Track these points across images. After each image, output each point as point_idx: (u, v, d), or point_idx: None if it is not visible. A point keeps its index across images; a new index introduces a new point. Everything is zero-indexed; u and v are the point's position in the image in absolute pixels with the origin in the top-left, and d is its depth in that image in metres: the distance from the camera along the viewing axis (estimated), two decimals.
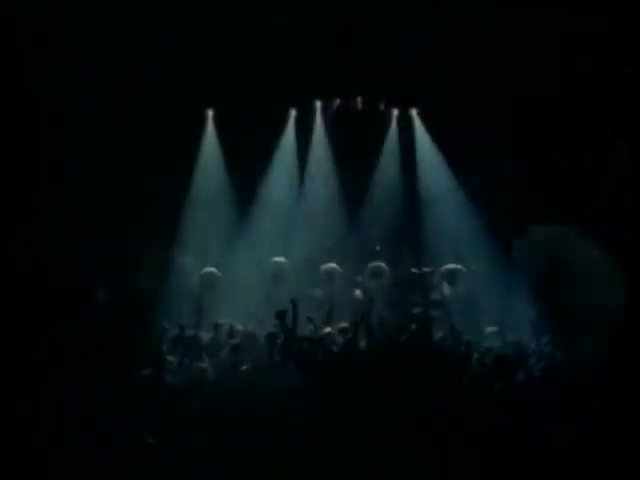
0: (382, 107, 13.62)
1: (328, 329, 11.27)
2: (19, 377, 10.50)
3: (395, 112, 13.72)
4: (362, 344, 10.37)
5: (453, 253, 12.79)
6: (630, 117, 11.32)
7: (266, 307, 12.18)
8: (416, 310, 11.92)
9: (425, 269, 12.70)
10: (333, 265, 12.92)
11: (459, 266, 12.63)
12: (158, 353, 10.56)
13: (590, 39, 12.48)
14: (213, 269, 12.84)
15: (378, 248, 12.97)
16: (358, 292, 12.76)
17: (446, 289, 12.58)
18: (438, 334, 10.91)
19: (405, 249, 13.12)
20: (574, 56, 12.57)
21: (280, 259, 12.97)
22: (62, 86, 12.60)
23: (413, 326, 10.60)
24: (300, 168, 13.55)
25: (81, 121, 12.70)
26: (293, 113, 13.64)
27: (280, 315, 10.47)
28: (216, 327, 11.21)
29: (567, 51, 12.60)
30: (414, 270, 12.68)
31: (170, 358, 10.75)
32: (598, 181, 12.61)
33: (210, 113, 13.53)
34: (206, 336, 11.29)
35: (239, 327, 11.51)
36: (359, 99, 13.31)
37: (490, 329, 11.74)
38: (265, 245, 13.05)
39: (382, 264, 12.88)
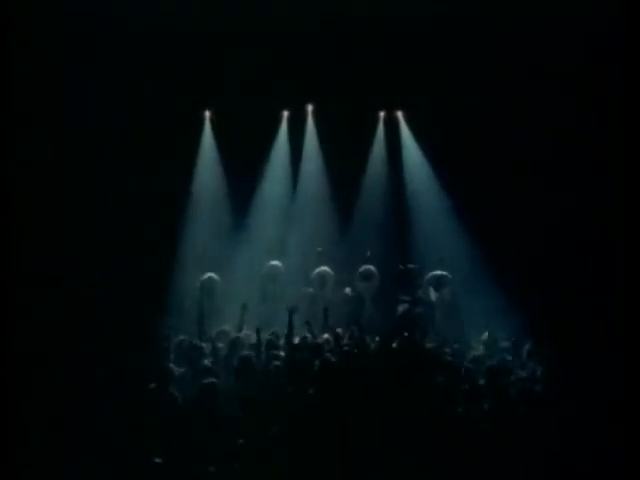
0: (369, 109, 13.56)
1: (326, 335, 11.37)
2: (19, 390, 10.56)
3: (381, 114, 13.71)
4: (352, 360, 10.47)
5: (439, 255, 12.88)
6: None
7: (262, 311, 12.31)
8: (401, 307, 12.03)
9: (410, 266, 12.79)
10: (325, 268, 13.02)
11: (445, 272, 12.74)
12: (164, 367, 10.58)
13: (588, 39, 12.53)
14: (212, 274, 12.86)
15: (369, 254, 13.06)
16: (348, 290, 12.89)
17: (432, 295, 12.69)
18: (427, 342, 11.04)
19: (392, 248, 13.20)
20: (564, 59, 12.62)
21: (275, 262, 13.04)
22: (60, 88, 12.63)
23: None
24: (293, 171, 13.61)
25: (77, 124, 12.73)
26: (285, 114, 13.64)
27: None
28: (216, 338, 11.27)
29: (557, 55, 12.63)
30: (400, 267, 12.79)
31: (176, 368, 10.79)
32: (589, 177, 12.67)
33: (207, 114, 13.55)
34: (208, 345, 11.33)
35: (237, 334, 11.58)
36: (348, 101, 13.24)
37: (484, 336, 11.82)
38: (261, 248, 13.11)
39: (372, 267, 13.00)
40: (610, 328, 11.32)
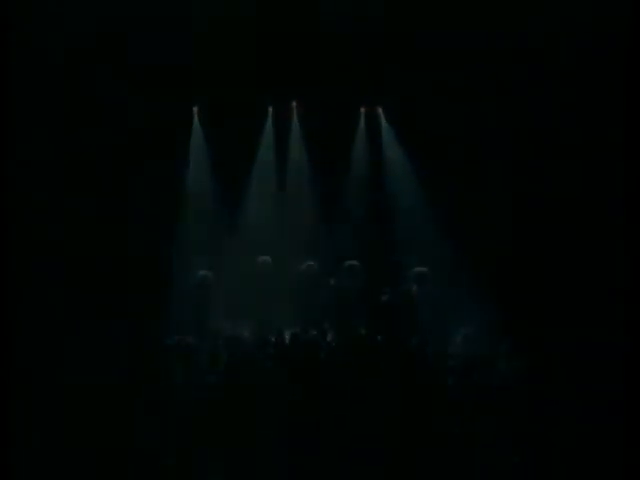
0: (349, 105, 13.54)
1: (314, 332, 11.47)
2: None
3: (362, 110, 13.70)
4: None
5: (419, 251, 12.94)
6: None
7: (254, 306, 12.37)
8: (384, 298, 12.10)
9: (392, 258, 12.94)
10: (310, 262, 13.06)
11: (426, 269, 12.78)
12: (167, 369, 10.61)
13: (588, 39, 12.54)
14: (206, 271, 12.88)
15: (354, 252, 13.08)
16: (332, 282, 12.93)
17: (414, 291, 12.77)
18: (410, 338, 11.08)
19: (376, 242, 13.26)
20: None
21: (265, 257, 13.07)
22: (60, 88, 12.65)
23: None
24: (280, 168, 13.63)
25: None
26: (270, 110, 13.66)
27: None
28: (213, 337, 11.29)
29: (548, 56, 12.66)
30: (381, 259, 12.93)
31: (180, 370, 10.82)
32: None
33: (195, 109, 13.57)
34: (206, 344, 11.36)
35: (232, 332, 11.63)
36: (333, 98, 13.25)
37: (462, 333, 11.87)
38: (250, 244, 13.16)
39: (356, 263, 13.03)
40: (610, 328, 11.34)
